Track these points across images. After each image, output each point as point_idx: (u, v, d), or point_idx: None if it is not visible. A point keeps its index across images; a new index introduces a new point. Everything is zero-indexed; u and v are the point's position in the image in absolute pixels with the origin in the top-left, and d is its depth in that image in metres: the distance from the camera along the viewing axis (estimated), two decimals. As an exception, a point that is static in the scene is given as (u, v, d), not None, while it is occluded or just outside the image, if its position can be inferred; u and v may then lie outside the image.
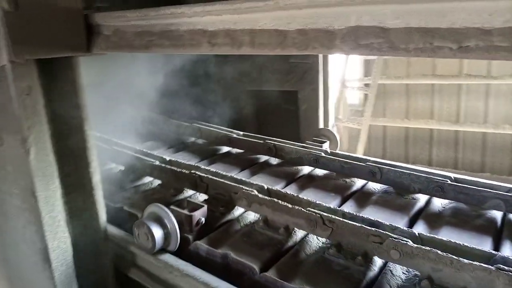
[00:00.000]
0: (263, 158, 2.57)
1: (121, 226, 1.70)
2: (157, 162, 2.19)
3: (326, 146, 2.53)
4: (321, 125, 3.12)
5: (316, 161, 2.29)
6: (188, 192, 2.05)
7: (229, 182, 1.83)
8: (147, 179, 2.24)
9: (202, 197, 1.97)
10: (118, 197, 2.01)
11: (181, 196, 2.02)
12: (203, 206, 1.64)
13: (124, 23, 1.20)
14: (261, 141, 2.57)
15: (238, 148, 2.74)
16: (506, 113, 4.75)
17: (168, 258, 1.43)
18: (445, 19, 0.72)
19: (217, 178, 1.90)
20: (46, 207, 1.23)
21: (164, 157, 2.30)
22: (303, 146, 2.43)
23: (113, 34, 1.24)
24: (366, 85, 5.10)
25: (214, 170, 2.04)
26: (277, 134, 3.12)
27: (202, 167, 2.13)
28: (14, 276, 1.56)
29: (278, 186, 2.01)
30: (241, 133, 2.79)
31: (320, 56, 2.96)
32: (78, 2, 1.21)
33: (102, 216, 1.43)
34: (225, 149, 2.79)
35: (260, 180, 2.06)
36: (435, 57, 0.73)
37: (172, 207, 1.59)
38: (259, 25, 0.94)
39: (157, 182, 2.20)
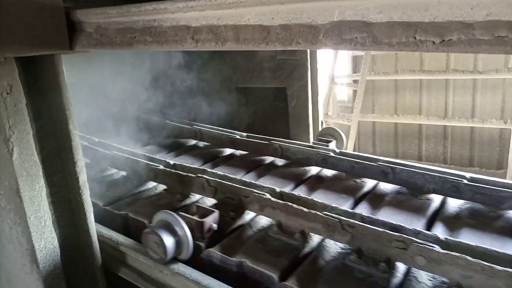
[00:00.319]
0: (269, 159, 2.50)
1: (128, 234, 1.63)
2: (161, 166, 2.10)
3: (332, 145, 2.46)
4: (310, 121, 3.12)
5: (325, 161, 2.21)
6: (195, 197, 1.97)
7: (239, 186, 1.75)
8: (151, 184, 2.16)
9: (210, 201, 1.90)
10: (121, 203, 1.94)
11: (188, 201, 1.95)
12: (214, 211, 1.56)
13: (106, 20, 1.19)
14: (266, 142, 2.51)
15: (242, 150, 2.66)
16: (492, 107, 4.83)
17: None
18: (427, 13, 0.72)
19: (226, 182, 1.83)
20: (31, 207, 1.21)
21: (168, 160, 2.22)
22: (310, 146, 2.37)
23: (95, 31, 1.22)
24: (355, 81, 5.13)
25: (222, 173, 1.97)
26: (267, 131, 3.12)
27: (209, 170, 2.06)
28: (2, 278, 1.54)
29: (287, 188, 1.95)
30: (245, 134, 2.72)
31: (309, 53, 2.95)
32: (59, -2, 1.19)
33: (90, 215, 1.41)
34: (228, 151, 2.70)
35: (268, 182, 1.98)
36: (418, 51, 0.73)
37: (181, 213, 1.50)
38: (242, 21, 0.93)
39: (162, 187, 2.12)
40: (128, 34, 1.14)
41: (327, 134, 2.69)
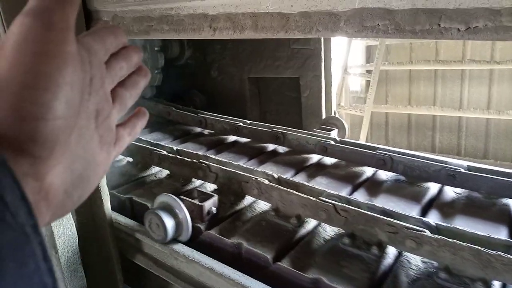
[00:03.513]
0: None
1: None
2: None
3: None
4: (323, 112, 3.09)
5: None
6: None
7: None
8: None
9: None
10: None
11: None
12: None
13: (123, 8, 1.19)
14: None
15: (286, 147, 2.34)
16: (509, 99, 4.73)
17: (174, 245, 1.43)
18: (452, 0, 0.70)
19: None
20: (50, 194, 1.23)
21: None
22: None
23: (112, 20, 1.22)
24: (368, 71, 5.06)
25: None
26: (280, 121, 3.11)
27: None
28: (20, 264, 1.57)
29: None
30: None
31: (322, 42, 2.92)
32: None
33: (107, 203, 1.43)
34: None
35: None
36: (443, 38, 0.71)
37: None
38: (261, 8, 0.92)
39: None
40: (145, 22, 1.14)
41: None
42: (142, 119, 0.47)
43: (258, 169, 1.79)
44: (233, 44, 3.30)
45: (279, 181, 1.69)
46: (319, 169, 2.06)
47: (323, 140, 2.16)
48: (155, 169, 2.10)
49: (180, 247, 1.42)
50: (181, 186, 1.88)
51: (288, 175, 1.88)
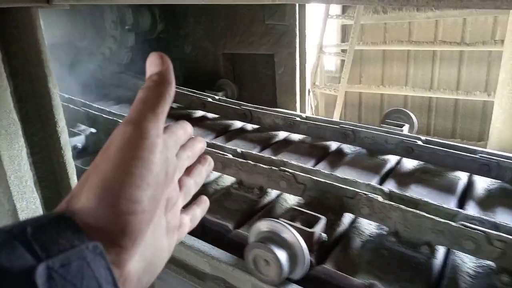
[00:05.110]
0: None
1: None
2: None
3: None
4: (297, 90, 3.09)
5: None
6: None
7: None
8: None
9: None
10: None
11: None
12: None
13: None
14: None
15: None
16: (477, 80, 4.87)
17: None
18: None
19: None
20: (11, 166, 1.19)
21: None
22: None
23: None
24: (343, 51, 5.08)
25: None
26: (254, 99, 3.10)
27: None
28: (-17, 239, 1.52)
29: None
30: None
31: (297, 19, 2.89)
32: None
33: (73, 176, 1.40)
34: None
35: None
36: (408, 5, 0.71)
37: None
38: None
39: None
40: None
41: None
42: (203, 207, 0.51)
43: (359, 180, 1.43)
44: (207, 18, 3.23)
45: (391, 196, 1.34)
46: (406, 176, 1.68)
47: (408, 140, 1.76)
48: (213, 175, 1.74)
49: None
50: (258, 199, 1.54)
51: (372, 183, 1.46)
